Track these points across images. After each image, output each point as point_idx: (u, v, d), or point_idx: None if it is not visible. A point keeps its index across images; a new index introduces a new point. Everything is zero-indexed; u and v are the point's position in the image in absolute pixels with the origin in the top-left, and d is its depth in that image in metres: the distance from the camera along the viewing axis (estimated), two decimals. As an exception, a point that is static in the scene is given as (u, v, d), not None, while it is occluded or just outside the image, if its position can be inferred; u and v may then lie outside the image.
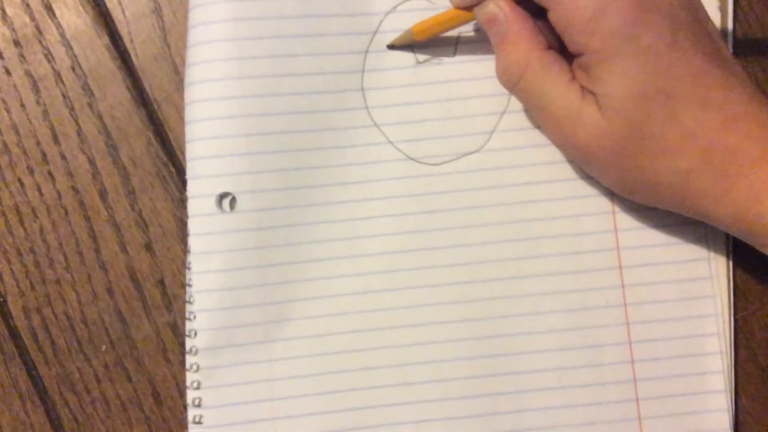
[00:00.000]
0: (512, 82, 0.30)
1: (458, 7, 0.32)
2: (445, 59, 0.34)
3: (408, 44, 0.33)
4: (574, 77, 0.30)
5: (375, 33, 0.34)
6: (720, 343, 0.32)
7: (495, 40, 0.31)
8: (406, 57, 0.34)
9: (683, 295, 0.32)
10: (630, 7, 0.27)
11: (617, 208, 0.33)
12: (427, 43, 0.33)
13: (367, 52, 0.33)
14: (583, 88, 0.29)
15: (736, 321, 0.33)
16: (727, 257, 0.33)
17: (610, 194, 0.33)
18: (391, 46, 0.34)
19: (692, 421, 0.32)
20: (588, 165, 0.31)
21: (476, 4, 0.31)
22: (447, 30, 0.33)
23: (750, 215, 0.28)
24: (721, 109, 0.28)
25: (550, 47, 0.30)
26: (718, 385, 0.32)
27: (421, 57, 0.34)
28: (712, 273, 0.33)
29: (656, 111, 0.28)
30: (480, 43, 0.34)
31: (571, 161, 0.33)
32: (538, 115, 0.31)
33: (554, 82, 0.29)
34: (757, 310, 0.33)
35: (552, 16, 0.29)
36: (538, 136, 0.33)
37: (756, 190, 0.27)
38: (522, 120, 0.33)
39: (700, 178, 0.28)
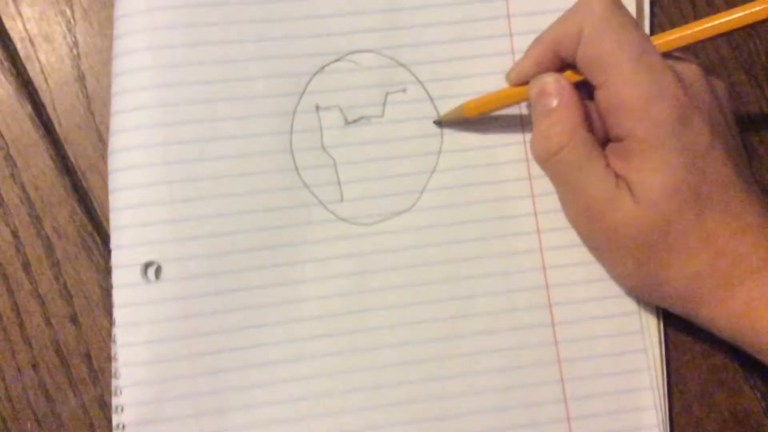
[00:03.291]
0: (550, 153, 0.30)
1: (514, 84, 0.32)
2: (374, 119, 0.34)
3: (456, 121, 0.33)
4: (608, 163, 0.29)
5: (303, 93, 0.34)
6: (654, 397, 0.32)
7: (540, 110, 0.30)
8: (336, 117, 0.34)
9: (615, 349, 0.32)
10: (679, 102, 0.28)
11: (547, 264, 0.33)
12: (356, 102, 0.33)
13: (295, 112, 0.33)
14: (617, 174, 0.29)
15: (668, 374, 0.33)
16: (657, 309, 0.33)
17: (540, 252, 0.33)
18: (439, 123, 0.33)
19: (630, 477, 0.32)
20: (606, 251, 0.30)
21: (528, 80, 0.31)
22: (497, 109, 0.33)
23: (745, 324, 0.28)
24: (738, 217, 0.28)
25: (592, 131, 0.30)
26: (654, 439, 0.32)
27: (351, 117, 0.34)
28: (642, 326, 0.33)
29: (686, 208, 0.28)
30: (409, 103, 0.34)
31: (503, 235, 0.33)
32: (568, 192, 0.31)
33: (593, 163, 0.29)
34: (689, 362, 0.34)
35: (601, 94, 0.29)
36: (467, 194, 0.33)
37: (752, 299, 0.28)
38: (451, 178, 0.33)
39: (703, 283, 0.28)
